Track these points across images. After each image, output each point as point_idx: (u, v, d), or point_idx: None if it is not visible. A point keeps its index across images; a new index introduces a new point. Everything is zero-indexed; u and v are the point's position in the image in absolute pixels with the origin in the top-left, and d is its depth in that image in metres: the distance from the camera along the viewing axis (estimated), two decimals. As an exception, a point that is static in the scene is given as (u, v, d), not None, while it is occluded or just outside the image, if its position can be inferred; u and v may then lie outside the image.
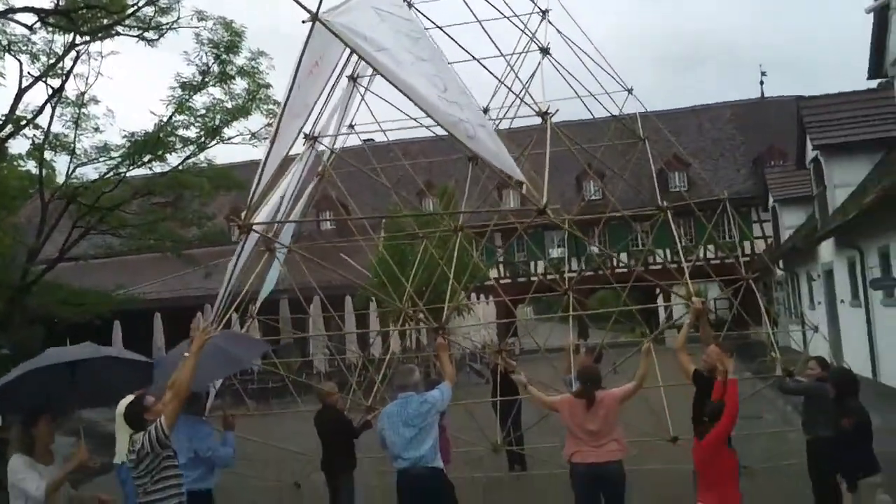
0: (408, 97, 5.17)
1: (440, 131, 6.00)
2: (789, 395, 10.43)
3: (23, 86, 19.87)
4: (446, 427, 8.36)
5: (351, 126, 12.29)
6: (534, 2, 11.90)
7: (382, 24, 5.40)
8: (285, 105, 5.34)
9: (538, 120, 8.80)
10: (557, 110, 8.38)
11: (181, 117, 21.38)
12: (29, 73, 20.09)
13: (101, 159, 21.53)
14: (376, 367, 13.11)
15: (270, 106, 21.66)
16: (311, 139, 10.35)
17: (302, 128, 7.44)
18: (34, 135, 21.19)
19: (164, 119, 21.27)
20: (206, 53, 20.77)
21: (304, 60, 5.08)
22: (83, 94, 20.94)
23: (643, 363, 7.05)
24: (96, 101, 22.26)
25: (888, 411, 13.62)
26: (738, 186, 39.51)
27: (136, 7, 19.60)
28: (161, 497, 5.43)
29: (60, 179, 22.26)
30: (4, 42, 19.63)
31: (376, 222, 31.84)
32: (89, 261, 24.87)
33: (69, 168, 21.37)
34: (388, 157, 24.75)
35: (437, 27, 10.88)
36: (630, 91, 12.17)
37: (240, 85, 21.51)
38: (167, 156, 21.78)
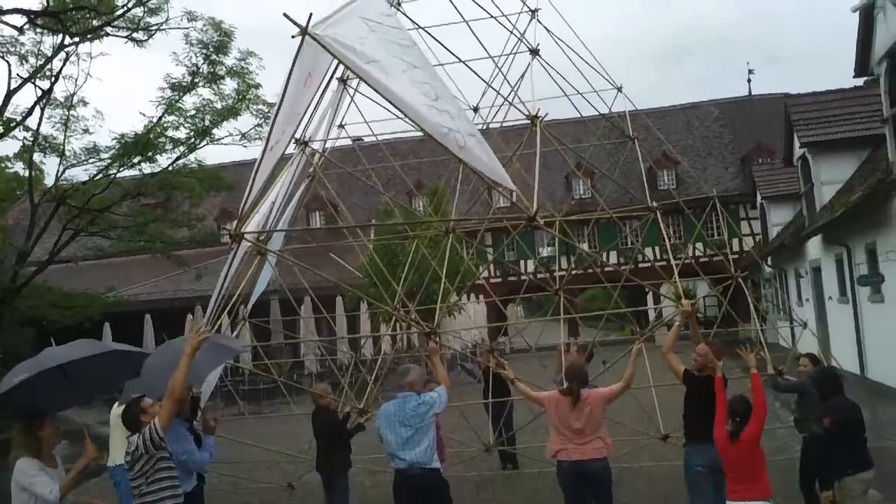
0: (398, 108, 5.23)
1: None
2: (781, 394, 10.52)
3: (11, 87, 19.86)
4: (440, 426, 8.41)
5: (341, 126, 12.30)
6: (523, 1, 11.91)
7: (371, 35, 5.43)
8: (276, 115, 5.37)
9: (525, 112, 8.85)
10: (547, 114, 8.42)
11: (171, 118, 21.42)
12: (18, 74, 20.11)
13: (90, 161, 21.58)
14: (368, 368, 13.15)
15: (260, 106, 21.73)
16: (303, 143, 10.37)
17: (294, 134, 7.47)
18: (24, 137, 21.16)
19: (154, 120, 21.27)
20: (195, 54, 20.80)
21: (294, 73, 5.11)
22: (72, 95, 20.98)
23: (632, 364, 7.11)
24: (85, 103, 22.34)
25: (876, 407, 13.78)
26: (727, 184, 39.74)
27: (125, 8, 19.58)
28: (156, 499, 5.47)
29: (49, 181, 22.26)
30: (-7, 44, 19.61)
31: (367, 222, 31.89)
32: (79, 263, 24.82)
33: (59, 170, 21.36)
34: (378, 156, 24.77)
35: (422, 29, 10.86)
36: (619, 89, 12.12)
37: (229, 85, 21.57)
38: (157, 157, 21.81)
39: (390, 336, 19.78)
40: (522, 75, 11.51)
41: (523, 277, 37.60)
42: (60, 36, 19.68)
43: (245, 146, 22.88)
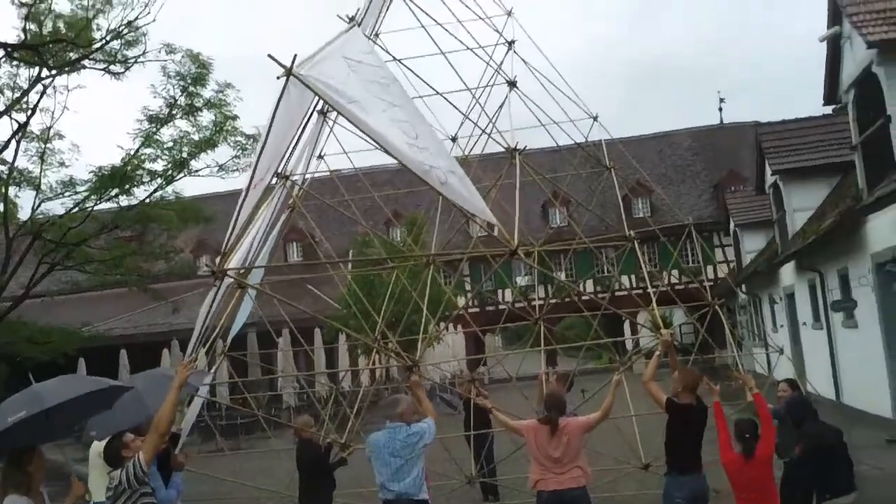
0: (381, 147, 5.33)
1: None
2: None
3: (-13, 121, 19.76)
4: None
5: (320, 157, 12.36)
6: (500, 32, 12.09)
7: (353, 75, 5.54)
8: (261, 153, 5.43)
9: (505, 145, 8.97)
10: (525, 147, 8.53)
11: (148, 150, 21.43)
12: (-6, 108, 20.01)
13: (66, 194, 21.46)
14: (349, 401, 13.09)
15: (238, 138, 21.79)
16: (283, 177, 10.41)
17: (277, 170, 7.52)
18: (0, 170, 21.03)
19: (132, 152, 21.22)
20: (173, 86, 20.84)
21: (279, 112, 5.19)
22: (49, 128, 20.91)
23: (611, 393, 7.16)
24: (61, 136, 22.27)
25: (851, 432, 13.90)
26: (700, 211, 40.22)
27: (104, 41, 19.61)
28: None
29: (25, 215, 22.09)
30: (-31, 77, 19.54)
31: (345, 252, 31.86)
32: (55, 297, 24.56)
33: (34, 203, 21.23)
34: (356, 186, 24.81)
35: (398, 61, 10.99)
36: (595, 118, 12.24)
37: (207, 117, 21.61)
38: (134, 189, 21.73)
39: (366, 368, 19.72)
40: (500, 107, 11.65)
41: (502, 307, 37.71)
42: (38, 69, 19.65)
43: (223, 177, 22.92)
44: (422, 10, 10.90)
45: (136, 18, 19.68)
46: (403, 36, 12.14)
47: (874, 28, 13.78)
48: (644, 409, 8.68)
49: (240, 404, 16.85)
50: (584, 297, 26.95)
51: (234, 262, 7.85)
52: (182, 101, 21.15)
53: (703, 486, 6.81)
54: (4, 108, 19.96)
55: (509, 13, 12.31)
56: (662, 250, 35.63)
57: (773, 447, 6.16)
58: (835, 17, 15.44)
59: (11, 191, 21.59)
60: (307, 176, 12.38)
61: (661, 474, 7.25)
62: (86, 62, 20.21)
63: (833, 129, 20.47)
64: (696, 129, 47.01)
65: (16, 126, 20.32)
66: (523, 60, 11.93)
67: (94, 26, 19.99)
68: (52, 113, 21.57)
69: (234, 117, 21.65)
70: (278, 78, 5.08)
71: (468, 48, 11.82)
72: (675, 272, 37.27)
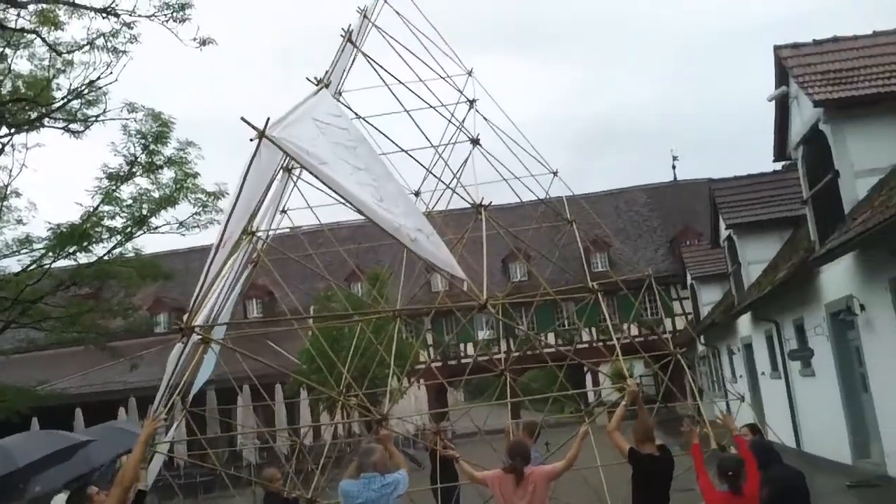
0: (353, 206, 5.48)
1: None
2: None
3: (-56, 179, 19.52)
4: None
5: (283, 211, 12.43)
6: (461, 92, 12.38)
7: (321, 137, 5.69)
8: (231, 213, 5.51)
9: (470, 201, 9.15)
10: (491, 203, 8.70)
11: (108, 208, 21.20)
12: (-50, 165, 19.77)
13: (23, 251, 21.13)
14: (313, 456, 12.95)
15: (199, 195, 21.70)
16: (250, 234, 10.46)
17: (245, 228, 7.60)
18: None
19: (91, 210, 21.04)
20: (133, 144, 20.79)
21: (251, 174, 5.30)
22: (6, 186, 20.67)
23: (577, 444, 7.23)
24: (18, 194, 21.95)
25: (812, 479, 14.07)
26: (657, 265, 40.92)
27: (65, 100, 19.58)
28: None
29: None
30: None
31: (307, 308, 31.72)
32: (10, 356, 24.02)
33: (-10, 260, 20.88)
34: (318, 241, 24.85)
35: (362, 119, 11.20)
36: (555, 174, 12.51)
37: (167, 174, 21.54)
38: (93, 246, 21.46)
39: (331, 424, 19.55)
40: (464, 163, 11.88)
41: (465, 360, 37.74)
42: (-4, 127, 19.55)
43: (183, 234, 22.72)
44: (384, 69, 11.14)
45: (98, 78, 19.74)
46: (368, 94, 12.38)
47: (820, 88, 14.38)
48: (610, 458, 8.74)
49: (199, 461, 16.51)
50: (547, 350, 27.12)
51: (200, 318, 7.84)
52: (143, 158, 21.06)
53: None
54: (-38, 166, 19.80)
55: (470, 73, 12.63)
56: (622, 303, 36.05)
57: (758, 484, 6.20)
58: (782, 77, 16.08)
59: (-35, 248, 21.25)
60: (271, 231, 12.44)
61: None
62: (45, 121, 20.13)
63: (784, 185, 21.16)
64: (652, 185, 48.10)
65: (-28, 184, 20.12)
66: (484, 118, 12.22)
67: (55, 86, 19.99)
68: (10, 171, 21.34)
69: (195, 175, 21.62)
70: (251, 140, 5.19)
71: (431, 106, 12.08)
72: (634, 325, 37.70)
